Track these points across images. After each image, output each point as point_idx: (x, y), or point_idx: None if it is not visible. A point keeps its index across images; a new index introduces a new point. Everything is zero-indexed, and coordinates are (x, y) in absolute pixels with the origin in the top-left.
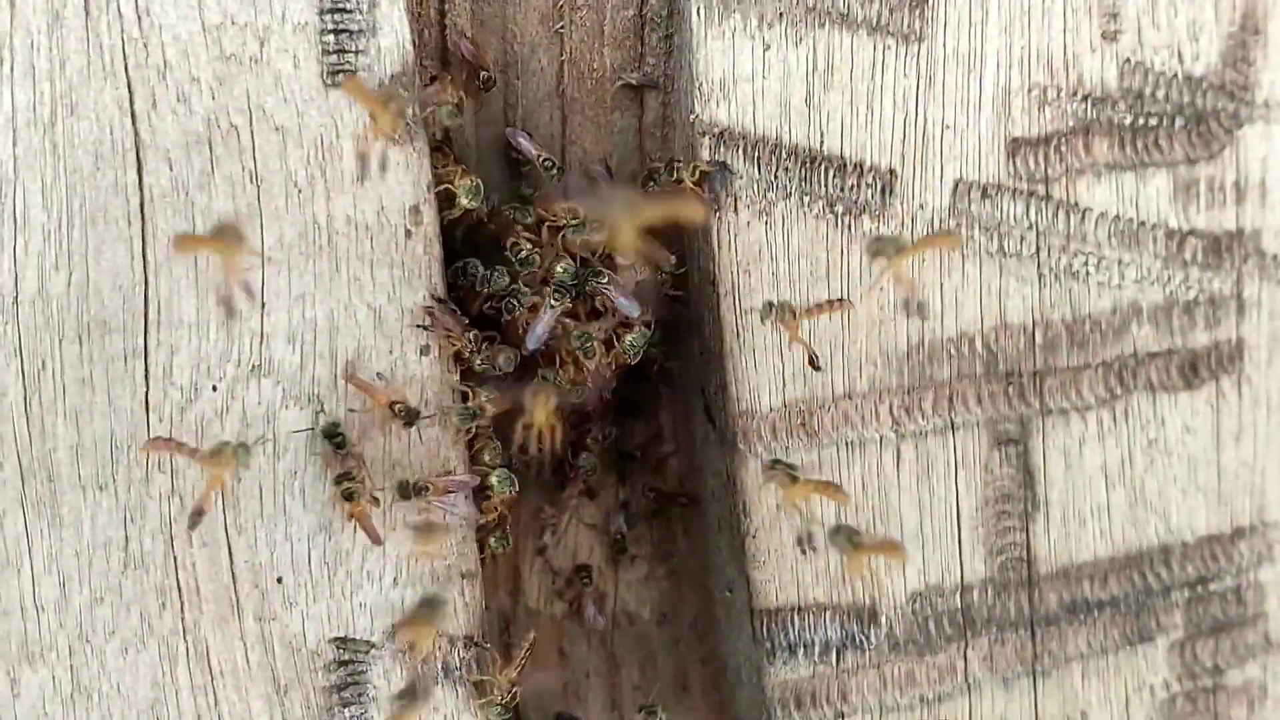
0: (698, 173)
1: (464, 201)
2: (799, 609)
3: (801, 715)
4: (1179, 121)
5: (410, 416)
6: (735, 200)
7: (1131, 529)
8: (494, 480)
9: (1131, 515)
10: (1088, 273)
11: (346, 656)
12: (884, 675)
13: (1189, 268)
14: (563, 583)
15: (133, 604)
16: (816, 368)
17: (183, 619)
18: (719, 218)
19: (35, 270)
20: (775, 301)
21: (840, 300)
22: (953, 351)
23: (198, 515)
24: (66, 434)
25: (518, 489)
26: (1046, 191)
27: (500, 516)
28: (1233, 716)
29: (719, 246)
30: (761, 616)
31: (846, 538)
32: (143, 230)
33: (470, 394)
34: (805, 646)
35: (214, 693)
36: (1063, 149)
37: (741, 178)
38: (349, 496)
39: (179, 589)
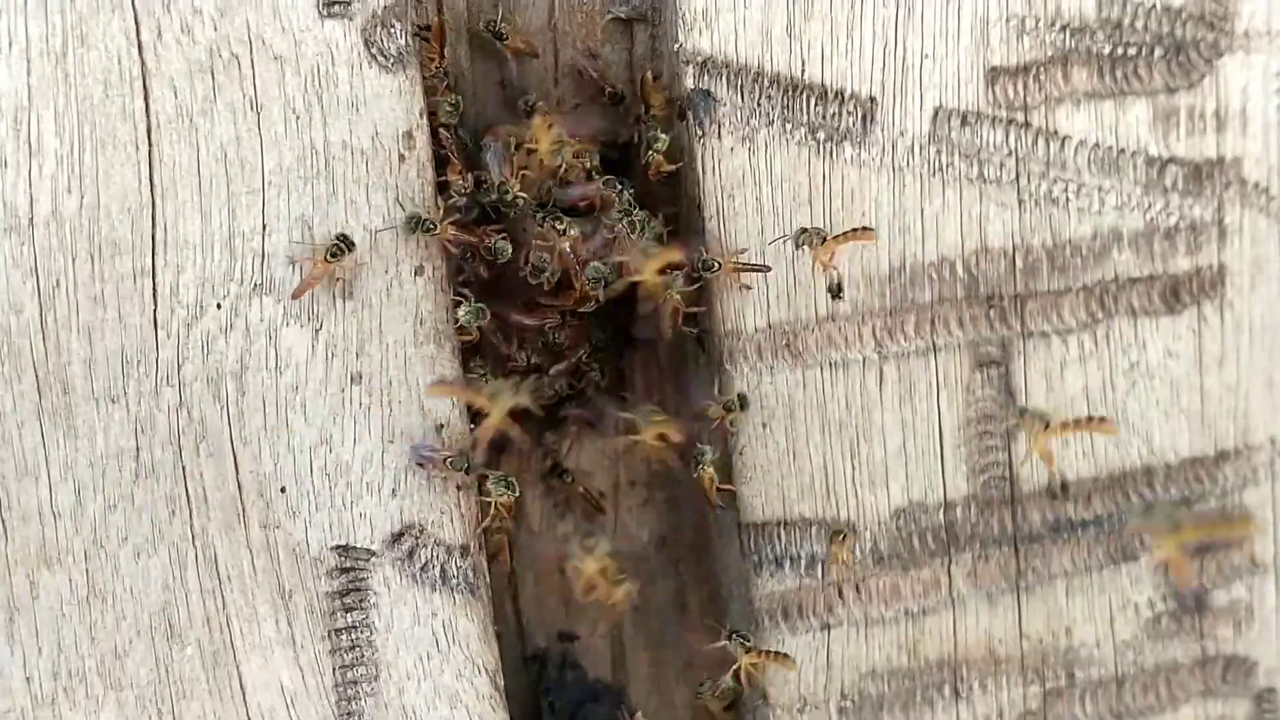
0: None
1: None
2: (785, 523)
3: (789, 626)
4: (1158, 51)
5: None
6: (719, 127)
7: (1114, 450)
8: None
9: (1113, 437)
10: (1068, 199)
11: (348, 564)
12: (869, 589)
13: (1169, 194)
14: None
15: (144, 511)
16: (836, 297)
17: (191, 526)
18: (703, 144)
19: (49, 193)
20: (808, 227)
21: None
22: (934, 275)
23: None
24: (80, 349)
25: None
26: (1026, 119)
27: None
28: (1219, 636)
29: (704, 172)
30: (749, 530)
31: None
32: (150, 155)
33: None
34: (791, 560)
35: (222, 596)
36: (1041, 78)
37: (725, 105)
38: None
39: (188, 497)
